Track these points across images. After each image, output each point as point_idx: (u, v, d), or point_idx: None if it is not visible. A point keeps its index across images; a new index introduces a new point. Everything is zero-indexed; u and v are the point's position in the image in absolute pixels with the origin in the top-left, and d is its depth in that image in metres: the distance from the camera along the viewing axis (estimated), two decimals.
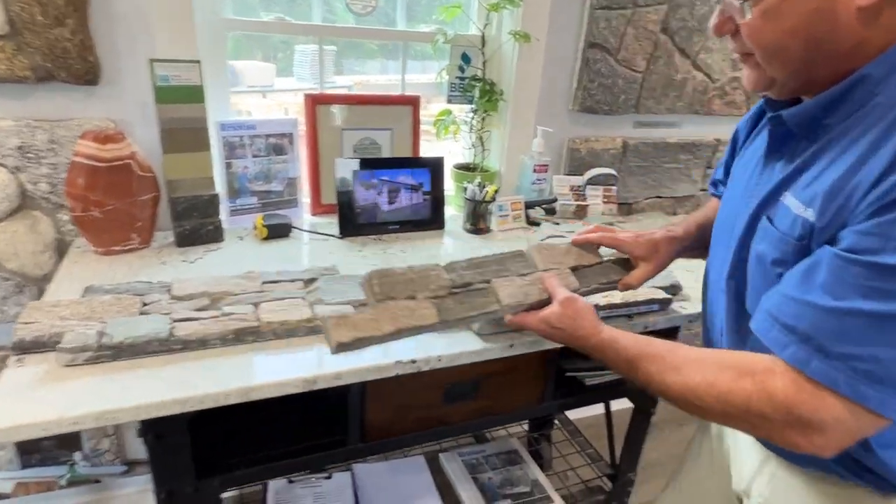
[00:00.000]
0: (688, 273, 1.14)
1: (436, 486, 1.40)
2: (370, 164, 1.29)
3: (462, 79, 1.52)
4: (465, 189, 1.36)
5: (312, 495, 1.33)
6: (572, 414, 1.64)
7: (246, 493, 1.47)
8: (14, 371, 0.74)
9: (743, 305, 0.71)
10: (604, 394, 1.27)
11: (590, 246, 0.95)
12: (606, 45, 1.50)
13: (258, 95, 1.96)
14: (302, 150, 1.41)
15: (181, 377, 0.75)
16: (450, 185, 1.56)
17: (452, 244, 1.32)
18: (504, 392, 1.11)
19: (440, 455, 1.48)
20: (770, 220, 0.66)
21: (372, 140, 1.46)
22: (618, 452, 1.43)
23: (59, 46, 1.04)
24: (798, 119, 0.64)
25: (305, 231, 1.28)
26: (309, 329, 0.87)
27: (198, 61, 1.10)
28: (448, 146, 1.61)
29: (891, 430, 0.58)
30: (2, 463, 1.32)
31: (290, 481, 1.35)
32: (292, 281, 0.98)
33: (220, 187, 1.28)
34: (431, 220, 1.37)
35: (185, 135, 1.12)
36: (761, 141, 0.74)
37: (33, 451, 1.33)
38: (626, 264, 0.94)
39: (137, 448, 1.41)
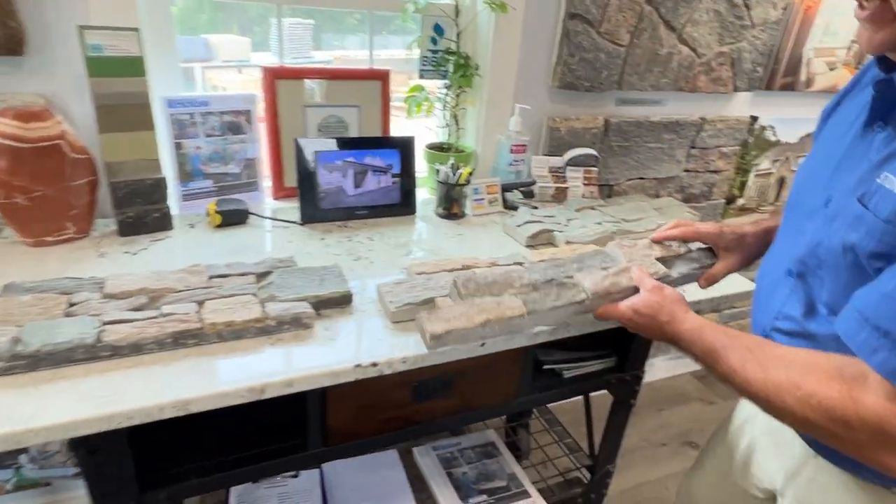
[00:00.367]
0: None
1: (409, 483, 1.34)
2: (334, 145, 1.19)
3: (435, 52, 1.42)
4: (438, 171, 1.28)
5: (277, 496, 1.26)
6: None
7: (207, 496, 1.40)
8: None
9: (810, 294, 0.65)
10: (582, 386, 1.22)
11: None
12: (588, 17, 1.41)
13: (233, 71, 1.85)
14: (262, 129, 1.30)
15: (108, 389, 0.67)
16: (422, 167, 1.47)
17: (424, 230, 1.24)
18: (478, 388, 1.05)
19: (414, 449, 1.43)
20: (864, 204, 0.58)
21: (338, 118, 1.36)
22: (597, 441, 1.38)
23: None
24: None
25: (263, 217, 1.18)
26: (259, 330, 0.79)
27: (135, 29, 0.98)
28: (420, 125, 1.51)
29: None
30: None
31: (255, 481, 1.28)
32: (243, 275, 0.90)
33: (168, 170, 1.18)
34: (402, 204, 1.28)
35: (124, 112, 1.01)
36: (859, 108, 0.65)
37: None
38: (712, 254, 0.90)
39: None
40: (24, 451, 1.26)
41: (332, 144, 1.19)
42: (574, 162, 1.49)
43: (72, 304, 0.77)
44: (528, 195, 1.40)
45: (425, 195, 1.46)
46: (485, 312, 0.73)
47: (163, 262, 0.97)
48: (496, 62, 1.41)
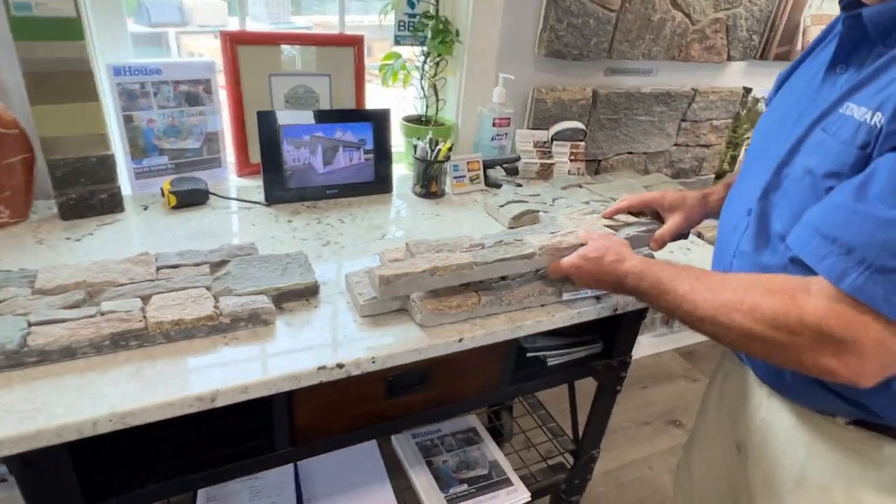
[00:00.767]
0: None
1: (387, 472, 1.29)
2: (300, 118, 1.09)
3: (412, 16, 1.31)
4: (415, 147, 1.19)
5: (248, 490, 1.21)
6: None
7: None
8: None
9: (766, 227, 0.67)
10: (568, 374, 1.16)
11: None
12: None
13: (210, 36, 1.74)
14: (224, 100, 1.20)
15: (34, 402, 0.59)
16: (399, 141, 1.38)
17: (400, 211, 1.16)
18: (458, 379, 0.98)
19: (392, 437, 1.37)
20: (826, 132, 0.61)
21: (307, 88, 1.26)
22: (581, 424, 1.34)
23: None
24: (881, 18, 0.59)
25: (224, 198, 1.09)
26: (211, 328, 0.71)
27: None
28: (397, 96, 1.41)
29: None
30: None
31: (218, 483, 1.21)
32: (197, 265, 0.81)
33: (118, 146, 1.07)
34: (376, 182, 1.19)
35: (60, 81, 0.90)
36: (822, 62, 0.69)
37: None
38: (658, 220, 0.95)
39: None
40: None
41: (298, 118, 1.09)
42: (560, 136, 1.40)
43: None
44: (512, 172, 1.32)
45: (403, 171, 1.37)
46: (433, 262, 0.76)
47: (110, 248, 0.88)
48: (478, 27, 1.30)
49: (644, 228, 0.93)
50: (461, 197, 1.24)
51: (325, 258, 0.93)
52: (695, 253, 1.10)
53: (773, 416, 0.74)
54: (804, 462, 0.70)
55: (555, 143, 1.40)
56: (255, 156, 1.22)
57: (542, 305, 0.86)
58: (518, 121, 1.44)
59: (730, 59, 1.64)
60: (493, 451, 1.39)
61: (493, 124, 1.30)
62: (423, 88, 1.34)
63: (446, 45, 1.28)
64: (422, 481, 1.28)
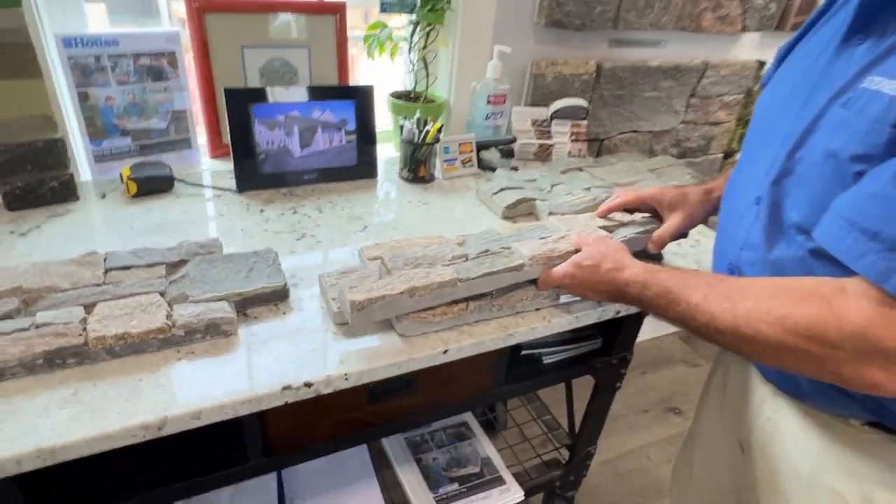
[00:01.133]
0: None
1: (375, 470, 1.24)
2: (272, 95, 0.99)
3: None
4: (402, 128, 1.09)
5: (229, 491, 1.15)
6: None
7: None
8: None
9: (779, 217, 0.60)
10: (564, 373, 1.09)
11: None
12: None
13: None
14: (192, 74, 1.10)
15: None
16: (387, 120, 1.28)
17: (385, 198, 1.07)
18: (447, 382, 0.91)
19: None
20: (846, 109, 0.54)
21: (284, 61, 1.15)
22: (577, 415, 1.28)
23: None
24: None
25: (191, 184, 0.99)
26: (163, 342, 0.63)
27: None
28: (384, 70, 1.30)
29: None
30: None
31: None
32: (151, 266, 0.72)
33: (73, 127, 0.98)
34: (359, 166, 1.10)
35: None
36: (832, 31, 0.62)
37: None
38: (657, 219, 0.87)
39: None
40: None
41: (270, 95, 0.99)
42: (560, 114, 1.30)
43: None
44: (508, 154, 1.23)
45: (391, 152, 1.27)
46: (411, 281, 0.67)
47: (58, 244, 0.80)
48: None
49: (642, 229, 0.85)
50: (452, 182, 1.15)
51: (298, 254, 0.84)
52: (704, 245, 1.02)
53: (779, 415, 0.69)
54: (814, 463, 0.65)
55: (554, 121, 1.30)
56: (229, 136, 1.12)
57: (537, 310, 0.78)
58: (515, 97, 1.33)
59: (744, 29, 1.52)
60: (485, 446, 1.33)
61: (488, 102, 1.20)
62: (411, 62, 1.23)
63: (437, 14, 1.17)
64: (410, 480, 1.22)
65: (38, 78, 0.84)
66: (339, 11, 1.16)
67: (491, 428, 1.50)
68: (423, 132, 1.07)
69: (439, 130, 1.08)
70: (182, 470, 0.74)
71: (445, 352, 0.69)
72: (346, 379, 0.64)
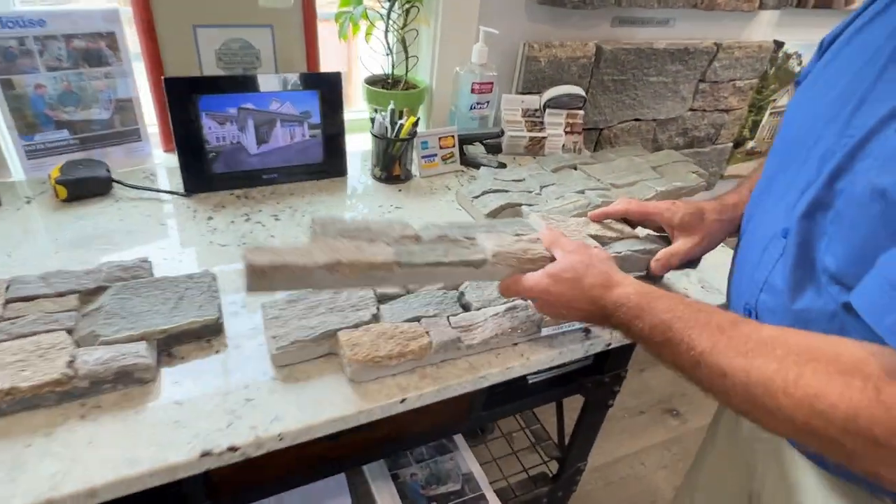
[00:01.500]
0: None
1: (348, 486, 1.16)
2: (221, 85, 0.87)
3: None
4: (373, 121, 0.97)
5: None
6: None
7: None
8: None
9: (810, 259, 0.49)
10: (551, 394, 1.00)
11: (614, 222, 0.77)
12: None
13: None
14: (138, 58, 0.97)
15: None
16: (363, 109, 1.16)
17: (353, 201, 0.95)
18: (416, 413, 0.82)
19: None
20: None
21: (244, 42, 1.02)
22: (568, 424, 1.20)
23: None
24: None
25: (131, 187, 0.88)
26: (63, 395, 0.53)
27: None
28: (357, 52, 1.18)
29: None
30: None
31: None
32: (61, 295, 0.62)
33: None
34: (326, 164, 0.98)
35: None
36: (889, 30, 0.49)
37: None
38: (663, 240, 0.74)
39: None
40: None
41: (219, 84, 0.87)
42: (554, 103, 1.17)
43: None
44: (495, 150, 1.10)
45: (368, 145, 1.15)
46: (336, 253, 0.52)
47: None
48: None
49: (642, 247, 0.73)
50: (431, 181, 1.03)
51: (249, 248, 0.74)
52: (712, 260, 0.90)
53: (800, 477, 0.59)
54: None
55: (548, 111, 1.17)
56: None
57: (515, 345, 0.68)
58: (505, 83, 1.21)
59: (761, 6, 1.38)
60: (467, 460, 1.25)
61: (472, 90, 1.07)
62: (387, 43, 1.10)
63: None
64: (385, 501, 1.14)
65: None
66: None
67: (475, 435, 1.42)
68: (397, 126, 0.95)
69: (415, 124, 0.96)
70: None
71: (403, 401, 0.60)
72: (281, 439, 0.54)
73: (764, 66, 1.50)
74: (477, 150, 1.10)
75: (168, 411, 0.54)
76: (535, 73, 1.19)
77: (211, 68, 1.01)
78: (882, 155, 0.44)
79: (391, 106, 0.97)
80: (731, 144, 1.64)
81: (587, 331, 0.72)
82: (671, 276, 0.84)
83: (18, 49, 0.85)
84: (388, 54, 1.11)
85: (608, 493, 1.57)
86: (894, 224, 0.41)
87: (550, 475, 1.28)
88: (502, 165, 1.08)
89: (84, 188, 0.83)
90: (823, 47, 0.61)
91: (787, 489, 0.60)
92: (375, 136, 0.96)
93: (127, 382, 0.55)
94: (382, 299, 0.68)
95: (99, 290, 0.63)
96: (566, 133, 1.17)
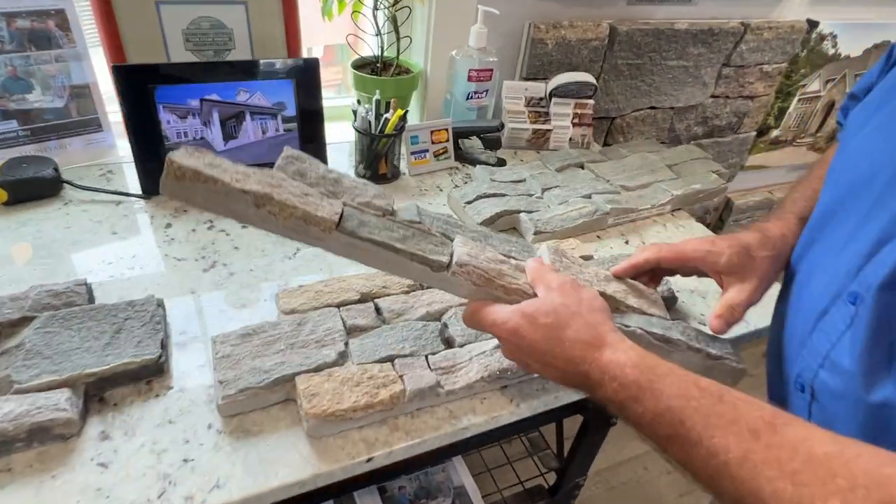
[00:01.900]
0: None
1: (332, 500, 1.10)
2: (181, 73, 0.77)
3: None
4: (354, 114, 0.86)
5: None
6: None
7: None
8: None
9: (891, 337, 0.38)
10: (550, 415, 0.91)
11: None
12: None
13: None
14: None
15: None
16: (352, 96, 1.05)
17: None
18: None
19: None
20: None
21: (215, 21, 0.91)
22: (567, 431, 1.13)
23: None
24: None
25: (82, 188, 0.79)
26: None
27: None
28: (344, 31, 1.06)
29: None
30: None
31: None
32: None
33: None
34: None
35: None
36: None
37: None
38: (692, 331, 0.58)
39: None
40: None
41: (178, 73, 0.77)
42: (562, 92, 1.06)
43: None
44: (493, 145, 1.00)
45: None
46: (268, 188, 0.43)
47: None
48: None
49: (659, 332, 0.56)
50: (421, 179, 0.93)
51: (200, 294, 0.65)
52: None
53: None
54: None
55: (554, 100, 1.06)
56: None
57: (503, 388, 0.59)
58: (507, 69, 1.09)
59: None
60: (460, 473, 1.18)
61: (470, 78, 0.96)
62: (378, 22, 0.98)
63: None
64: None
65: None
66: None
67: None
68: (383, 120, 0.85)
69: (403, 118, 0.86)
70: None
71: (369, 460, 0.51)
72: None
73: (795, 49, 1.37)
74: (474, 144, 1.00)
75: (90, 475, 0.46)
76: (541, 57, 1.07)
77: (179, 51, 0.91)
78: None
79: (376, 97, 0.86)
80: (753, 133, 1.52)
81: None
82: (686, 299, 0.74)
83: None
84: (377, 35, 1.00)
85: (609, 499, 1.51)
86: None
87: (547, 487, 1.21)
88: (501, 162, 0.98)
89: (27, 190, 0.74)
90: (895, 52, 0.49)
91: None
92: (359, 130, 0.86)
93: (44, 439, 0.47)
94: (352, 332, 0.59)
95: (23, 321, 0.55)
96: (574, 125, 1.06)
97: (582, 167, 0.97)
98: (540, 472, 1.23)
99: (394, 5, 0.98)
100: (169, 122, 0.77)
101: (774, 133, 1.57)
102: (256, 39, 0.95)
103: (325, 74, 1.24)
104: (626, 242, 0.85)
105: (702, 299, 0.75)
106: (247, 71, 0.80)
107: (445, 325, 0.62)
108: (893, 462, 0.31)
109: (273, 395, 0.53)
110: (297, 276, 0.69)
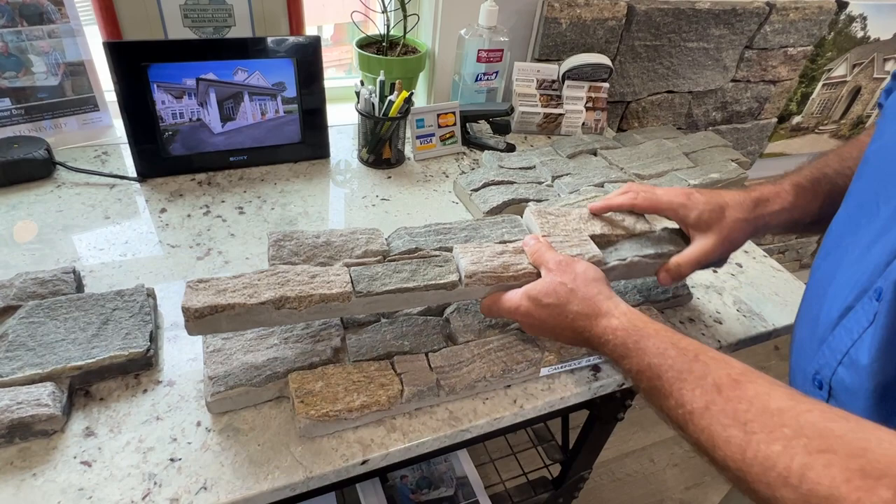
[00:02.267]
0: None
1: (335, 498, 1.09)
2: (173, 53, 0.74)
3: None
4: (357, 95, 0.83)
5: None
6: None
7: None
8: None
9: None
10: (555, 410, 0.89)
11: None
12: None
13: None
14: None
15: None
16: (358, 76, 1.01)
17: (334, 190, 0.83)
18: None
19: None
20: None
21: None
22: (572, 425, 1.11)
23: None
24: None
25: (75, 170, 0.76)
26: None
27: None
28: (346, 9, 1.02)
29: None
30: None
31: None
32: None
33: None
34: (304, 145, 0.85)
35: None
36: None
37: None
38: (680, 238, 0.62)
39: None
40: None
41: (172, 50, 0.73)
42: (575, 74, 1.01)
43: None
44: (503, 129, 0.96)
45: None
46: (284, 286, 0.48)
47: None
48: None
49: (653, 251, 0.59)
50: (426, 165, 0.90)
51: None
52: (751, 275, 0.77)
53: None
54: None
55: (567, 83, 1.01)
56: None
57: (507, 387, 0.56)
58: (518, 50, 1.05)
59: None
60: (463, 463, 1.17)
61: (479, 59, 0.92)
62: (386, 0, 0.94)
63: None
64: None
65: None
66: None
67: None
68: (387, 102, 0.81)
69: (408, 100, 0.82)
70: None
71: (364, 462, 0.49)
72: None
73: (822, 31, 1.30)
74: (482, 128, 0.96)
75: (73, 474, 0.44)
76: (555, 37, 1.02)
77: (177, 28, 0.87)
78: None
79: (380, 78, 0.82)
80: (774, 120, 1.46)
81: (596, 369, 0.60)
82: (702, 296, 0.71)
83: None
84: (383, 12, 0.96)
85: (614, 490, 1.49)
86: None
87: (551, 479, 1.20)
88: (510, 147, 0.94)
89: (18, 171, 0.72)
90: None
91: None
92: (362, 113, 0.82)
93: (25, 435, 0.46)
94: (349, 326, 0.57)
95: (8, 311, 0.53)
96: (587, 109, 1.01)
97: (595, 154, 0.93)
98: (544, 464, 1.21)
99: None
100: (164, 102, 0.74)
101: (796, 119, 1.51)
102: (258, 16, 0.91)
103: (335, 54, 1.20)
104: None
105: (718, 295, 0.72)
106: (244, 49, 0.76)
107: (447, 321, 0.59)
108: (840, 418, 0.33)
109: (265, 392, 0.50)
110: None
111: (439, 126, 0.90)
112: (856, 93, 1.52)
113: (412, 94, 0.82)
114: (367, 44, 0.99)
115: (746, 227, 0.56)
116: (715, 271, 0.76)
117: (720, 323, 0.68)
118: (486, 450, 1.27)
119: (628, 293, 0.67)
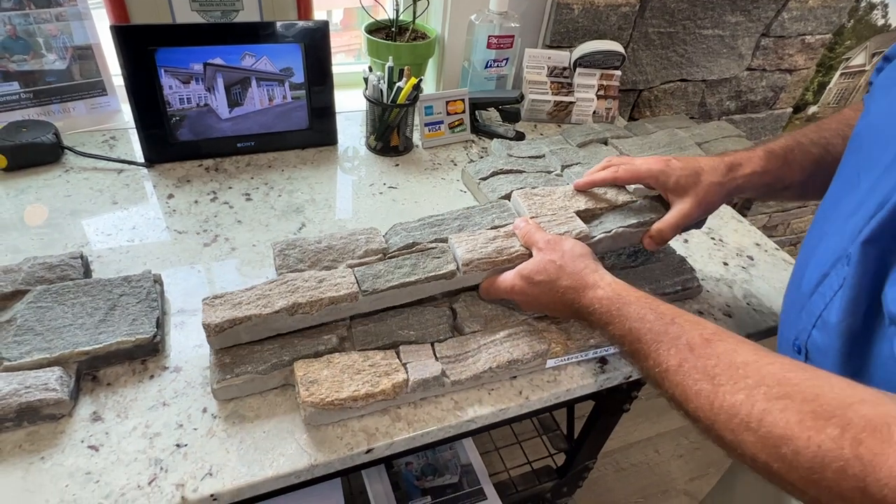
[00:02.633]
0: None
1: (341, 483, 1.10)
2: (180, 37, 0.73)
3: None
4: (366, 81, 0.82)
5: None
6: None
7: None
8: None
9: (873, 293, 0.40)
10: (560, 401, 0.89)
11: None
12: None
13: None
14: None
15: None
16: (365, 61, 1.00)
17: (342, 177, 0.82)
18: None
19: None
20: None
21: None
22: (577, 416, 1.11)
23: None
24: None
25: (83, 155, 0.76)
26: None
27: None
28: None
29: None
30: None
31: None
32: None
33: None
34: (311, 131, 0.85)
35: None
36: None
37: None
38: (660, 205, 0.64)
39: None
40: None
41: (180, 34, 0.73)
42: (587, 61, 1.00)
43: None
44: (512, 117, 0.95)
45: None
46: (294, 293, 0.51)
47: None
48: None
49: (635, 220, 0.61)
50: (435, 153, 0.89)
51: (200, 270, 0.63)
52: (762, 266, 0.76)
53: None
54: None
55: (578, 70, 1.00)
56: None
57: (512, 378, 0.56)
58: (529, 36, 1.03)
59: None
60: (468, 450, 1.17)
61: (489, 45, 0.91)
62: None
63: None
64: (377, 491, 1.08)
65: None
66: None
67: None
68: (396, 89, 0.81)
69: (416, 87, 0.81)
70: None
71: (369, 451, 0.49)
72: (215, 500, 0.45)
73: (841, 19, 1.27)
74: (491, 116, 0.95)
75: (80, 458, 0.45)
76: (567, 23, 1.00)
77: (185, 12, 0.87)
78: None
79: (389, 64, 0.81)
80: (790, 110, 1.44)
81: (603, 361, 0.60)
82: (712, 289, 0.70)
83: None
84: None
85: (618, 480, 1.50)
86: None
87: (555, 468, 1.20)
88: (520, 136, 0.93)
89: (26, 156, 0.72)
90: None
91: None
92: (370, 100, 0.82)
93: (33, 419, 0.46)
94: (355, 315, 0.57)
95: (16, 295, 0.53)
96: (599, 97, 1.00)
97: (605, 143, 0.92)
98: (549, 453, 1.22)
99: None
100: (171, 87, 0.74)
101: (812, 109, 1.48)
102: (266, 0, 0.90)
103: (344, 39, 1.19)
104: None
105: (728, 288, 0.71)
106: (252, 33, 0.75)
107: (455, 312, 0.59)
108: (798, 369, 0.36)
109: (271, 380, 0.50)
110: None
111: (448, 113, 0.89)
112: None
113: (421, 80, 0.81)
114: (375, 29, 0.98)
115: (721, 190, 0.59)
116: (730, 283, 0.75)
117: (730, 316, 0.67)
118: (491, 438, 1.27)
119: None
